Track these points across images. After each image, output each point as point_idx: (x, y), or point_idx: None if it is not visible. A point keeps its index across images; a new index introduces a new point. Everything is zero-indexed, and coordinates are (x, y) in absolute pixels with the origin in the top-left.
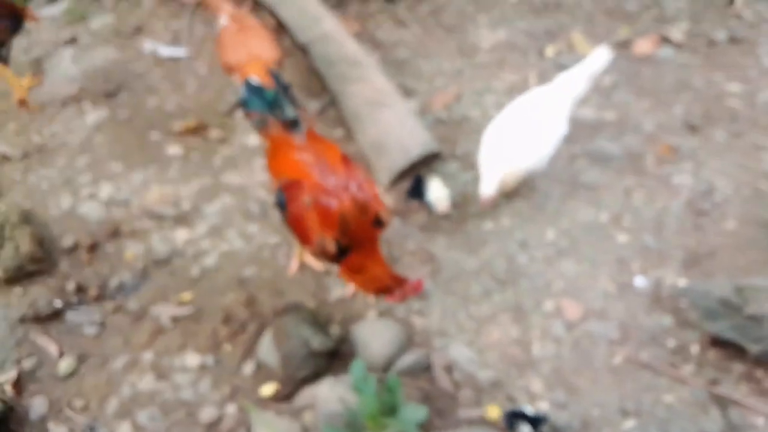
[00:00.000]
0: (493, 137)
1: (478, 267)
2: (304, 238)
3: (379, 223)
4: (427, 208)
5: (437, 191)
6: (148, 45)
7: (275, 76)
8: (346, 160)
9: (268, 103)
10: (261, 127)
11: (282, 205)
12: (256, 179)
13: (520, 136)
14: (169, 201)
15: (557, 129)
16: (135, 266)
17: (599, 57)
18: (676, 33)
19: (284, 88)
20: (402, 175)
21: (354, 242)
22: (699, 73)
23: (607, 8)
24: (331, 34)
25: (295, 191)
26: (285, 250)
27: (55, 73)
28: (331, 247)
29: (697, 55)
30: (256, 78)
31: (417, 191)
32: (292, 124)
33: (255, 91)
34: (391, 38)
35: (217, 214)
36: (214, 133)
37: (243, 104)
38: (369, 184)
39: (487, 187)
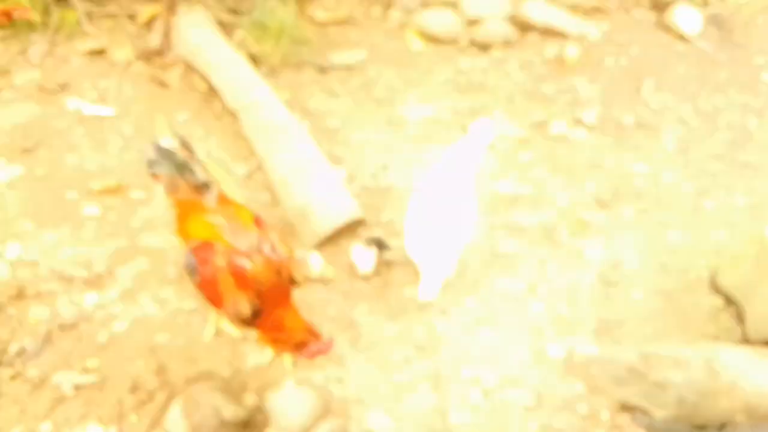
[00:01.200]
0: (421, 237)
1: (399, 334)
2: (215, 301)
3: (292, 282)
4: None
5: (361, 253)
6: (72, 102)
7: (182, 142)
8: (259, 221)
9: (177, 166)
10: (170, 190)
11: (193, 268)
12: (176, 241)
13: (447, 227)
14: (81, 262)
15: (471, 204)
16: (38, 330)
17: (487, 129)
18: (589, 116)
19: (192, 154)
20: (326, 241)
21: (268, 303)
22: (609, 154)
23: (526, 91)
24: (262, 102)
25: (206, 253)
26: (200, 315)
27: None
28: (246, 309)
29: (607, 136)
30: (167, 140)
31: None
32: (203, 187)
33: (164, 153)
34: (322, 108)
35: (132, 277)
36: (136, 194)
37: (150, 166)
38: (282, 245)
39: (429, 293)
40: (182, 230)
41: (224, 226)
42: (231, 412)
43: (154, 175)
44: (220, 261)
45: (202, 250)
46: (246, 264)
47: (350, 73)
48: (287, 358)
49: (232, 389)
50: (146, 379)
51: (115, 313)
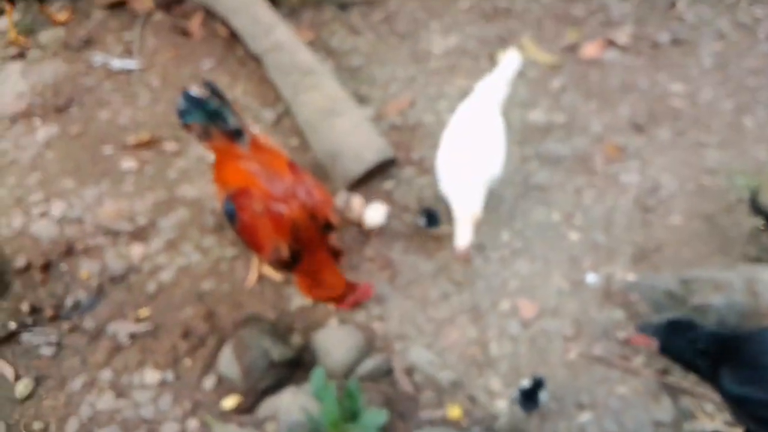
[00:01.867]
0: (450, 178)
1: (436, 270)
2: (257, 246)
3: (328, 227)
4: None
5: (374, 208)
6: (98, 58)
7: (212, 88)
8: (293, 166)
9: (209, 114)
10: (204, 139)
11: (232, 214)
12: (212, 191)
13: (477, 164)
14: (124, 216)
15: (500, 137)
16: (90, 284)
17: (512, 60)
18: (622, 36)
19: (223, 100)
20: (359, 182)
21: (305, 247)
22: (644, 75)
23: (555, 14)
24: (284, 44)
25: (244, 200)
26: (242, 262)
27: (2, 89)
28: (285, 252)
29: (641, 57)
30: (196, 89)
31: (432, 220)
32: (235, 134)
33: (194, 102)
34: (345, 46)
35: (173, 228)
36: (169, 146)
37: (181, 115)
38: (318, 189)
39: (464, 238)
40: (219, 178)
41: (259, 172)
42: (279, 352)
43: (186, 125)
44: (257, 206)
45: (239, 197)
46: (282, 209)
47: (371, 7)
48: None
49: (279, 331)
50: (196, 324)
51: (161, 264)
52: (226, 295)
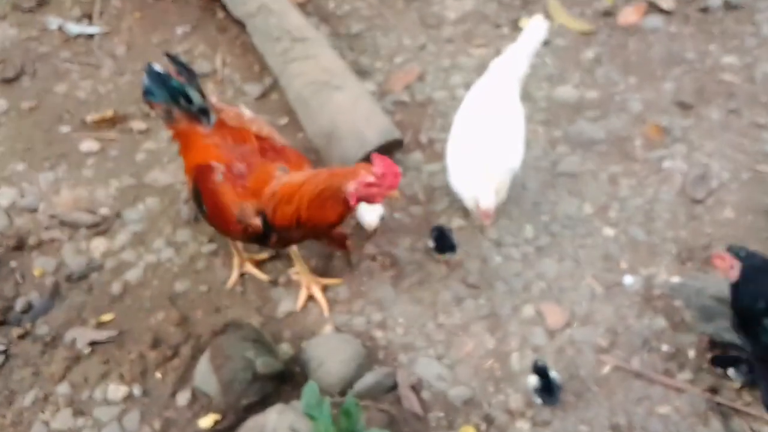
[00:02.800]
0: (464, 147)
1: (447, 270)
2: (224, 221)
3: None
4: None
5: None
6: (53, 21)
7: (178, 62)
8: (262, 136)
9: (172, 93)
10: (167, 120)
11: (196, 194)
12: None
13: (493, 136)
14: (84, 206)
15: (519, 114)
16: (44, 284)
17: (536, 29)
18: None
19: (190, 75)
20: None
21: (278, 203)
22: (691, 45)
23: None
24: (272, 5)
25: (206, 173)
26: (222, 259)
27: None
28: (252, 216)
29: (688, 24)
30: (159, 65)
31: (443, 244)
32: (199, 114)
33: (158, 79)
34: (343, 9)
35: (141, 219)
36: (135, 125)
37: (145, 94)
38: (289, 149)
39: (487, 197)
40: (187, 162)
41: (220, 143)
42: (264, 363)
43: (150, 104)
44: (218, 176)
45: (200, 172)
46: (242, 168)
47: None
48: (322, 303)
49: (264, 339)
50: (168, 331)
51: (127, 261)
52: (202, 297)
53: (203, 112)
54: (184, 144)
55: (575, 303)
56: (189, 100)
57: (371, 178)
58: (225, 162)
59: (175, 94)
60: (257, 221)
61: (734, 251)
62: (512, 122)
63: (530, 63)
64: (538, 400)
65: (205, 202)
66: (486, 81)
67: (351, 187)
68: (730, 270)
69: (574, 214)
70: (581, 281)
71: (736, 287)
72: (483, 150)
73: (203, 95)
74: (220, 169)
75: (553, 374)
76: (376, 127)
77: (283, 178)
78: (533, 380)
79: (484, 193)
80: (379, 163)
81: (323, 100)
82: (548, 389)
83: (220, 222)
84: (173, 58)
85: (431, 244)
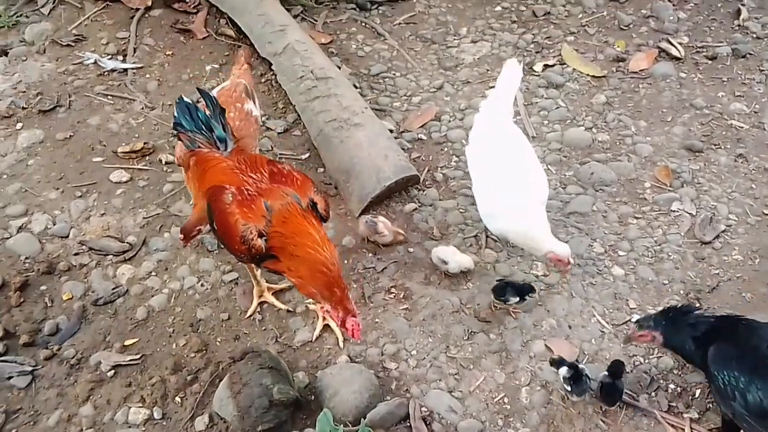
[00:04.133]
0: (505, 213)
1: (459, 304)
2: (230, 240)
3: (314, 207)
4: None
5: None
6: (89, 57)
7: (207, 96)
8: (274, 162)
9: (198, 123)
10: (190, 148)
11: (210, 216)
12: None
13: (528, 175)
14: (112, 233)
15: (530, 151)
16: (72, 308)
17: (511, 72)
18: (676, 47)
19: (216, 108)
20: (375, 203)
21: (291, 234)
22: (700, 91)
23: (601, 19)
24: (297, 46)
25: (218, 194)
26: (243, 288)
27: None
28: (254, 236)
29: (698, 70)
30: (188, 98)
31: (519, 291)
32: (220, 142)
33: (187, 110)
34: (364, 50)
35: (166, 248)
36: (164, 157)
37: (175, 125)
38: (301, 175)
39: (563, 248)
40: (201, 186)
41: (233, 167)
42: (281, 391)
43: (179, 134)
44: (228, 195)
45: (213, 193)
46: (253, 192)
47: (394, 8)
48: (338, 333)
49: (281, 367)
50: (189, 357)
51: (151, 287)
52: (223, 324)
53: (222, 141)
54: (202, 168)
55: (584, 340)
56: (211, 130)
57: (339, 312)
58: (236, 185)
59: (200, 124)
60: (259, 242)
61: (645, 326)
62: (532, 157)
63: (510, 106)
64: (568, 388)
65: (216, 221)
66: (488, 124)
67: (325, 306)
68: (655, 341)
69: (584, 252)
70: (590, 319)
71: (670, 345)
72: (526, 190)
73: (225, 127)
74: (230, 191)
75: (582, 366)
76: (394, 164)
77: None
78: (564, 371)
79: (557, 244)
80: (354, 322)
81: (344, 136)
82: (577, 378)
83: (228, 240)
84: (203, 93)
85: (513, 299)
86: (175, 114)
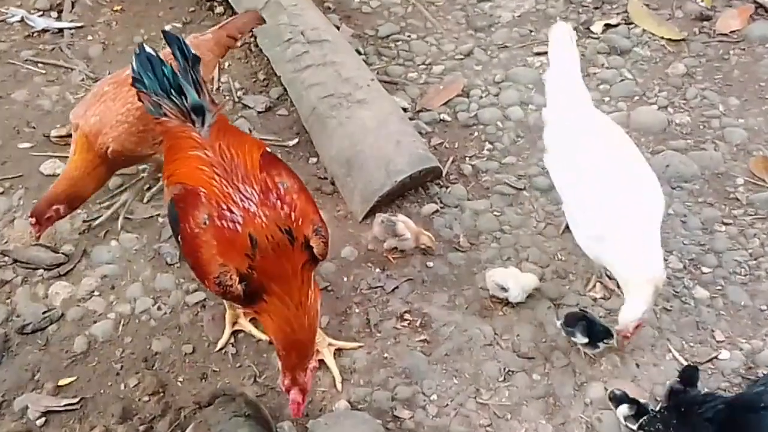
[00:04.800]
0: (607, 231)
1: (494, 335)
2: (200, 273)
3: (310, 253)
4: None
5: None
6: (14, 12)
7: (175, 43)
8: (269, 161)
9: (163, 83)
10: (156, 113)
11: (175, 222)
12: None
13: (643, 204)
14: (44, 241)
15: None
16: None
17: (560, 36)
18: None
19: (189, 62)
20: (384, 202)
21: (270, 278)
22: None
23: None
24: (284, 1)
25: (190, 204)
26: (211, 312)
27: None
28: (234, 282)
29: None
30: (150, 48)
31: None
32: (195, 113)
33: (148, 63)
34: (370, 5)
35: (113, 260)
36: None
37: (134, 81)
38: (301, 196)
39: (634, 310)
40: (167, 170)
41: (217, 164)
42: None
43: (137, 93)
44: (202, 214)
45: (184, 199)
46: (238, 220)
47: None
48: (334, 371)
49: (262, 415)
50: (142, 402)
51: (93, 311)
52: (186, 359)
53: (198, 111)
54: (171, 147)
55: (656, 383)
56: (181, 93)
57: (286, 379)
58: (215, 198)
59: (166, 85)
60: (239, 288)
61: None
62: (640, 159)
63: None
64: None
65: (182, 240)
66: (567, 119)
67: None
68: None
69: None
70: (665, 355)
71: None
72: (629, 202)
73: (201, 89)
74: (205, 208)
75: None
76: (408, 153)
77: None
78: (624, 409)
79: (631, 305)
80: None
81: (343, 117)
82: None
83: (197, 271)
84: (170, 37)
85: (579, 339)
86: (134, 67)
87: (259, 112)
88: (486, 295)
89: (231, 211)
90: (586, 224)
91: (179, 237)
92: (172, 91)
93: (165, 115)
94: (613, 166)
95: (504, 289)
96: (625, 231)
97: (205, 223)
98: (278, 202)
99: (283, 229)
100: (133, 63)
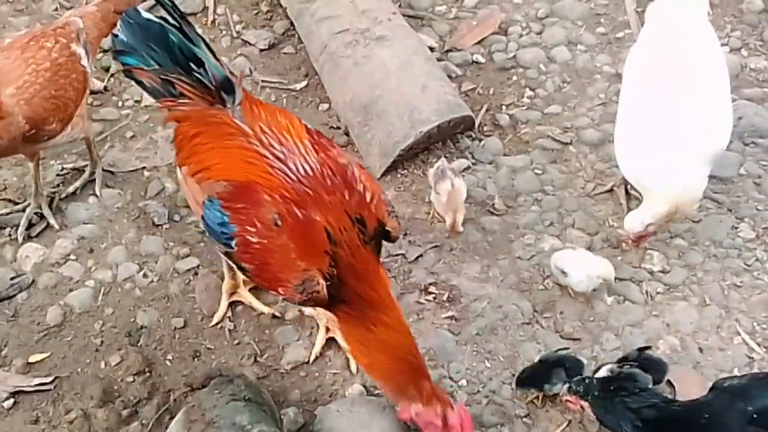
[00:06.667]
0: (648, 155)
1: (533, 312)
2: (272, 280)
3: (386, 236)
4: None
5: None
6: None
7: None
8: (318, 138)
9: (178, 56)
10: (161, 98)
11: (223, 230)
12: (159, 158)
13: (696, 132)
14: (10, 196)
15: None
16: None
17: None
18: None
19: (185, 20)
20: (405, 157)
21: (348, 275)
22: None
23: None
24: None
25: (250, 203)
26: (207, 280)
27: None
28: (322, 288)
29: None
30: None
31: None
32: (221, 89)
33: (140, 29)
34: None
35: (92, 219)
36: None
37: (117, 55)
38: (363, 173)
39: (636, 218)
40: (194, 164)
41: (265, 151)
42: None
43: (128, 71)
44: (273, 215)
45: (238, 198)
46: (310, 214)
47: None
48: (347, 348)
49: (263, 400)
50: (125, 382)
51: (69, 277)
52: (175, 335)
53: (228, 88)
54: (197, 134)
55: (722, 369)
56: (200, 63)
57: (437, 421)
58: (279, 192)
59: (179, 57)
60: (325, 293)
61: (575, 392)
62: (716, 85)
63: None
64: None
65: (240, 244)
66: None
67: (411, 408)
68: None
69: (724, 238)
70: (732, 338)
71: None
72: (680, 129)
73: (214, 54)
74: (270, 203)
75: None
76: (436, 99)
77: None
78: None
79: (637, 212)
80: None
81: (360, 56)
82: None
83: (265, 279)
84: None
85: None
86: (122, 39)
87: (262, 50)
88: (525, 266)
89: (300, 207)
90: (633, 126)
91: (234, 243)
92: (191, 64)
93: (182, 95)
94: (692, 86)
95: (564, 273)
96: (667, 142)
97: (276, 224)
98: (345, 188)
99: (354, 218)
100: (120, 32)
